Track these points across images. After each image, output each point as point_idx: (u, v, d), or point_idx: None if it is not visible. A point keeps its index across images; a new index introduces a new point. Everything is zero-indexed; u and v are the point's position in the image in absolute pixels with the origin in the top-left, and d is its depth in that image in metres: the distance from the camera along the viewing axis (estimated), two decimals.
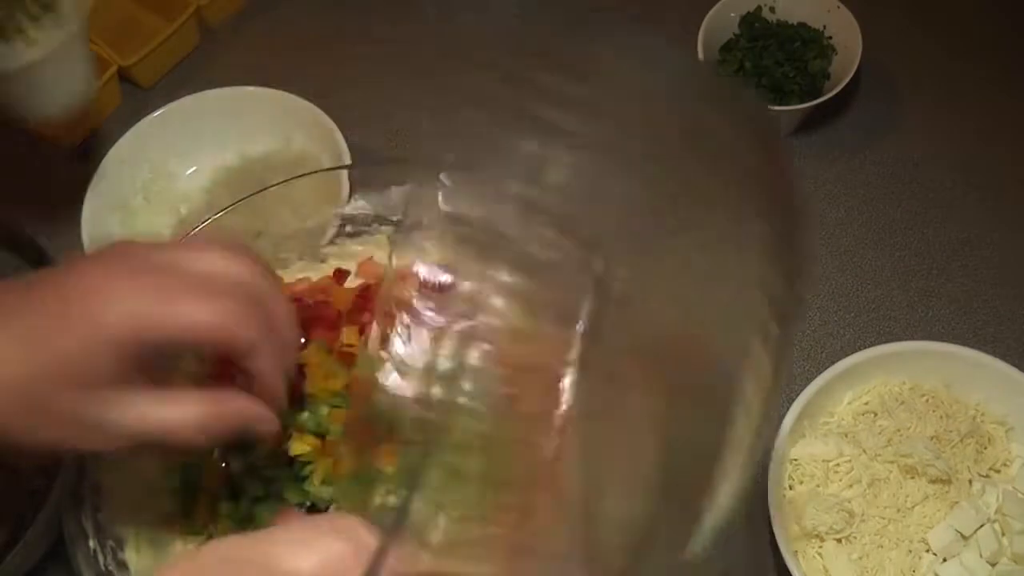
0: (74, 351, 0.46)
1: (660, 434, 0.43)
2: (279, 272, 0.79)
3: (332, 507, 0.65)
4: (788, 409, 0.69)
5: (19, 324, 0.47)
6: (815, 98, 0.84)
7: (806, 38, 0.89)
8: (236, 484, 0.67)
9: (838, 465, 0.69)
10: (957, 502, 0.67)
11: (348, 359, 0.70)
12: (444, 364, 0.45)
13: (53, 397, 0.46)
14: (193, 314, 0.47)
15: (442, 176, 0.47)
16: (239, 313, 0.49)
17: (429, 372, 0.47)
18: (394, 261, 0.75)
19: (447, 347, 0.45)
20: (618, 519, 0.44)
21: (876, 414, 0.72)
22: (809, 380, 0.70)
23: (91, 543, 0.63)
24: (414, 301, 0.47)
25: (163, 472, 0.71)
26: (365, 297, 0.76)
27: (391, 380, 0.50)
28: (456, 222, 0.46)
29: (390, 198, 0.77)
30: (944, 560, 0.66)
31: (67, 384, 0.46)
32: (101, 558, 0.63)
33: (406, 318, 0.48)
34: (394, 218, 0.78)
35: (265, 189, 0.75)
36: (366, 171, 0.78)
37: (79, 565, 0.61)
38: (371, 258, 0.80)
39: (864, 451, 0.70)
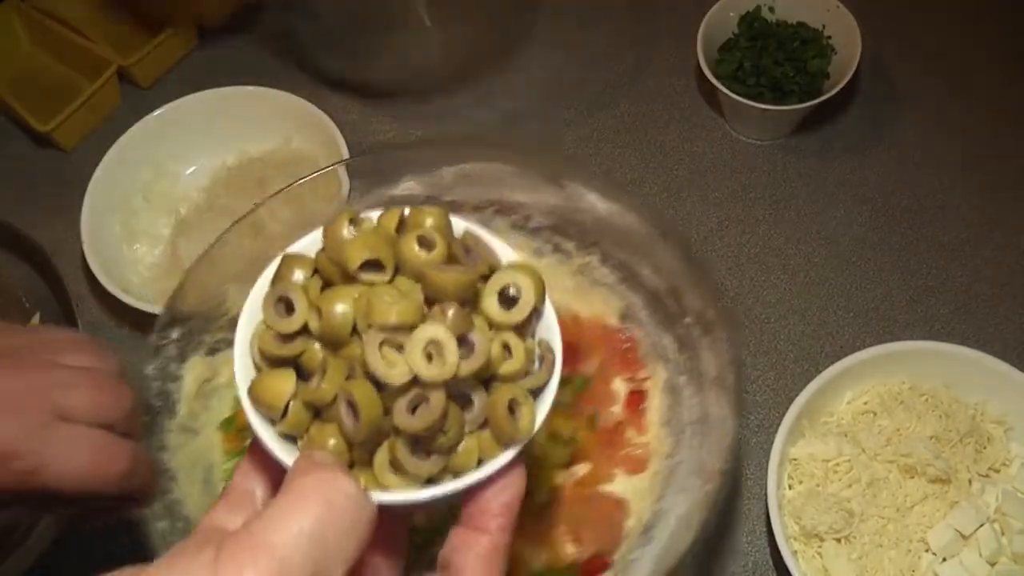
0: None
1: None
2: None
3: None
4: (788, 409, 0.69)
5: None
6: (815, 98, 0.84)
7: (805, 38, 0.89)
8: None
9: (838, 465, 0.69)
10: (957, 502, 0.67)
11: None
12: None
13: None
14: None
15: None
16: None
17: None
18: None
19: None
20: None
21: (876, 414, 0.72)
22: (809, 380, 0.70)
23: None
24: None
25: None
26: None
27: None
28: None
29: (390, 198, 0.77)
30: (944, 560, 0.66)
31: None
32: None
33: None
34: None
35: (266, 200, 0.74)
36: (365, 171, 0.78)
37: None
38: None
39: (864, 451, 0.70)
